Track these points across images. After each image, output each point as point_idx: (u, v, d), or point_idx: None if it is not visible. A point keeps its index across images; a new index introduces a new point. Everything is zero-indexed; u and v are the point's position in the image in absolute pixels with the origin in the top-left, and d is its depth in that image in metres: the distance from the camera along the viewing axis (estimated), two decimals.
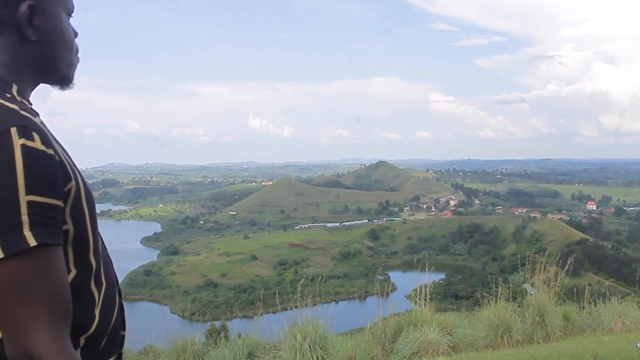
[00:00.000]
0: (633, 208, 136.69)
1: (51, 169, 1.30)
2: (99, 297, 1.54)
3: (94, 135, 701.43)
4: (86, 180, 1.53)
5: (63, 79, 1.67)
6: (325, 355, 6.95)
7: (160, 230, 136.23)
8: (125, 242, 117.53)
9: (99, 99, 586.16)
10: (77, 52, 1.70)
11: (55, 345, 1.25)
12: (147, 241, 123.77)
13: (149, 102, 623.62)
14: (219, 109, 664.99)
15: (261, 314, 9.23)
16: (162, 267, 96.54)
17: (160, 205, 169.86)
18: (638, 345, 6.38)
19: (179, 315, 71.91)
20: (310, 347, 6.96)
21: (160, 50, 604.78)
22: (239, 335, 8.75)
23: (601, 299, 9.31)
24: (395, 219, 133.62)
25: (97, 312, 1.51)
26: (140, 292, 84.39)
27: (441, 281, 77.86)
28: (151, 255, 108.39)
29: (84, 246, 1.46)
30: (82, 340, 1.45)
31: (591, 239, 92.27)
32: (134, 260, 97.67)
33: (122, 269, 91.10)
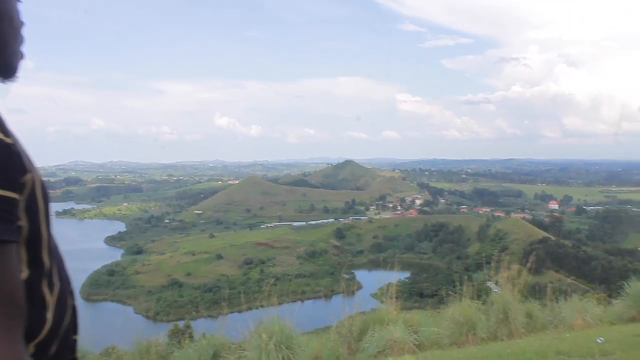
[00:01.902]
0: (593, 207, 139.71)
1: (9, 159, 1.19)
2: (51, 300, 1.39)
3: (57, 132, 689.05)
4: (41, 174, 1.31)
5: (7, 68, 1.50)
6: (291, 355, 6.90)
7: (125, 229, 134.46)
8: (88, 242, 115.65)
9: (61, 96, 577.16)
10: (22, 42, 1.55)
11: (9, 352, 1.13)
12: (111, 240, 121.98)
13: (113, 99, 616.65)
14: (185, 106, 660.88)
15: (226, 314, 9.14)
16: (126, 267, 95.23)
17: (125, 204, 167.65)
18: (598, 341, 6.49)
19: (143, 316, 71.26)
20: (275, 346, 6.91)
21: (124, 47, 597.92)
22: (204, 335, 8.65)
23: (562, 296, 9.45)
24: (361, 218, 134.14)
25: (48, 315, 1.37)
26: (104, 292, 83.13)
27: (406, 280, 78.39)
28: (115, 255, 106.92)
29: (38, 244, 1.33)
30: (31, 348, 1.30)
31: (553, 238, 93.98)
32: (97, 260, 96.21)
33: (85, 269, 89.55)
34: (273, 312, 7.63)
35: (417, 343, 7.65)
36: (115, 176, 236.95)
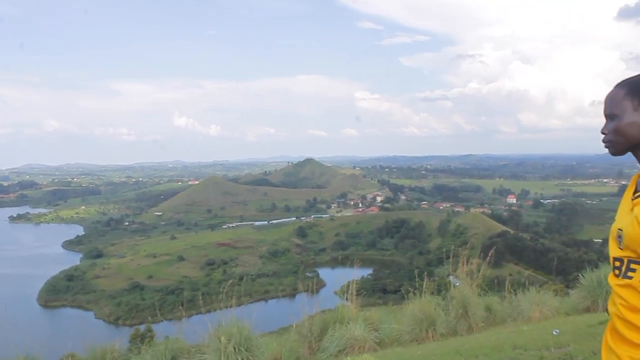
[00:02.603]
0: (549, 200, 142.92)
1: None
2: None
3: (9, 134, 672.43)
4: None
5: None
6: (250, 357, 6.82)
7: (83, 233, 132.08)
8: (45, 247, 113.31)
9: (12, 96, 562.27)
10: None
11: None
12: (69, 245, 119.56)
13: (68, 100, 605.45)
14: (143, 107, 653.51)
15: (189, 316, 9.01)
16: (86, 271, 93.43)
17: (83, 207, 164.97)
18: (554, 333, 6.58)
19: (104, 321, 70.20)
20: (235, 349, 6.82)
21: (79, 46, 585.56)
22: (167, 338, 8.52)
23: (521, 288, 9.55)
24: (322, 216, 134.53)
25: None
26: (62, 298, 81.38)
27: (369, 276, 78.91)
28: (73, 259, 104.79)
29: None
30: None
31: (511, 231, 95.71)
32: (55, 265, 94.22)
33: (42, 275, 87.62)
34: (232, 314, 7.54)
35: (377, 341, 7.65)
36: (72, 179, 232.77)
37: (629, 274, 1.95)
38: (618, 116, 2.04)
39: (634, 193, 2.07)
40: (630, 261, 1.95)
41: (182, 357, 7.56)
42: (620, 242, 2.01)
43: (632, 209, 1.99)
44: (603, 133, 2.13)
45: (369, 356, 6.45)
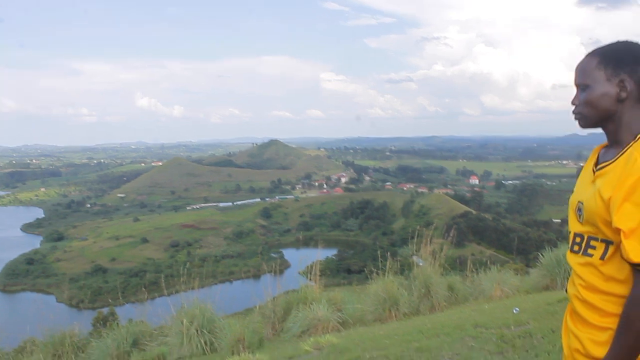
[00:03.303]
0: (511, 182, 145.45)
1: None
2: None
3: None
4: None
5: None
6: (212, 339, 6.77)
7: (43, 215, 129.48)
8: (2, 230, 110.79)
9: None
10: None
11: None
12: (28, 228, 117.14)
13: (25, 79, 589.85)
14: (104, 87, 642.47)
15: (153, 298, 8.90)
16: (46, 255, 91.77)
17: (42, 189, 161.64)
18: (514, 311, 6.68)
19: (66, 304, 69.10)
20: (197, 331, 6.76)
21: (36, 23, 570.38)
22: (131, 321, 8.40)
23: (482, 268, 9.66)
24: (287, 197, 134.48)
25: None
26: (22, 282, 79.80)
27: (334, 257, 79.35)
28: (33, 243, 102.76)
29: None
30: None
31: (474, 212, 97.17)
32: (14, 249, 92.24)
33: (0, 259, 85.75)
34: (195, 296, 7.47)
35: (340, 321, 7.66)
36: (31, 160, 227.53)
37: (589, 251, 1.92)
38: (589, 86, 1.97)
39: (596, 164, 2.02)
40: (590, 237, 1.93)
41: (144, 340, 7.47)
42: (580, 215, 1.97)
43: (593, 181, 1.95)
44: (573, 104, 2.06)
45: (332, 337, 6.47)
